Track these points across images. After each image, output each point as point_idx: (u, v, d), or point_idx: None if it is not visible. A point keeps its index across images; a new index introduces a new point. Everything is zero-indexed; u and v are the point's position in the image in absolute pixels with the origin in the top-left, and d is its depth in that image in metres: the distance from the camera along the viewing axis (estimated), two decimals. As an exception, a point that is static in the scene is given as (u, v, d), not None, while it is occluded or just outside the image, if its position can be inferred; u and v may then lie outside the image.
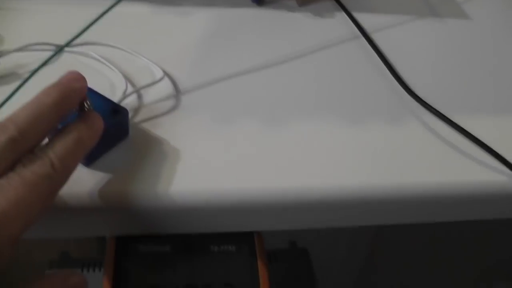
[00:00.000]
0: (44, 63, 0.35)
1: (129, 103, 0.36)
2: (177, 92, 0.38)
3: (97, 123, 0.29)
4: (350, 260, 0.94)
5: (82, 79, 0.29)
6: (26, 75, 0.33)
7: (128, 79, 0.38)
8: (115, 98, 0.35)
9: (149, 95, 0.37)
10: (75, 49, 0.39)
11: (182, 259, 0.34)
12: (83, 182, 0.31)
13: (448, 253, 1.01)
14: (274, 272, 0.51)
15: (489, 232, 0.95)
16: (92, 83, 0.31)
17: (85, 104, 0.30)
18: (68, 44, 0.34)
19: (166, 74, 0.39)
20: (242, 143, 0.35)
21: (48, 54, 0.36)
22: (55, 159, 0.26)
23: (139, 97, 0.37)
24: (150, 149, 0.33)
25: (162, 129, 0.35)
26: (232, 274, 0.34)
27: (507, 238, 0.98)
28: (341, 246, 0.91)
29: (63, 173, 0.27)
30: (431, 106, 0.38)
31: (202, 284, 0.34)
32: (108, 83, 0.37)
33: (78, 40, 0.33)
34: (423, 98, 0.39)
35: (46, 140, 0.27)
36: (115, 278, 0.33)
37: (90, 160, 0.32)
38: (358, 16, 0.46)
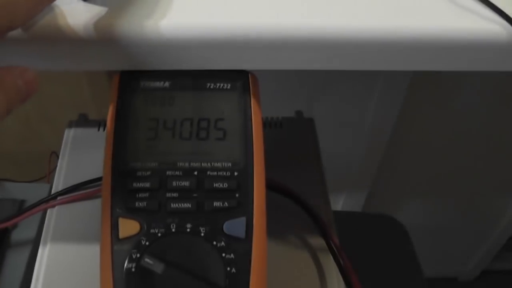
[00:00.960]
0: None
1: None
2: None
3: None
4: (368, 151, 0.96)
5: None
6: None
7: None
8: None
9: None
10: None
11: (180, 95, 0.36)
12: (81, 14, 0.32)
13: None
14: (279, 138, 0.53)
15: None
16: None
17: None
18: None
19: None
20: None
21: None
22: None
23: None
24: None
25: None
26: (226, 109, 0.36)
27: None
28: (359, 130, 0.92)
29: None
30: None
31: (198, 118, 0.36)
32: None
33: None
34: None
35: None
36: (118, 110, 0.35)
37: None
38: None
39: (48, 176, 0.66)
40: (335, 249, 0.43)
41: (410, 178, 1.10)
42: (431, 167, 1.06)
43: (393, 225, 0.86)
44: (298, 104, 0.66)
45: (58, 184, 0.47)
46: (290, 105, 0.56)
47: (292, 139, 0.52)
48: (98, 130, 0.52)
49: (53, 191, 0.47)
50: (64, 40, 0.33)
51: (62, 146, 0.51)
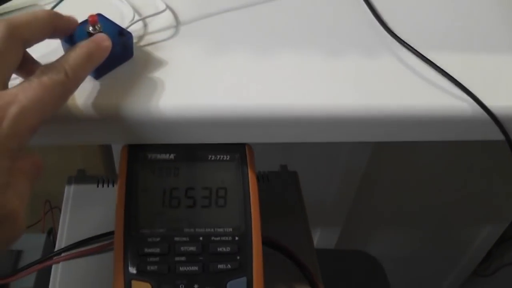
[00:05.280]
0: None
1: (135, 30, 0.41)
2: (178, 22, 0.43)
3: (105, 42, 0.35)
4: (341, 190, 1.01)
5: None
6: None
7: (135, 10, 0.43)
8: (123, 25, 0.40)
9: (153, 25, 0.42)
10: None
11: (184, 166, 0.40)
12: (93, 92, 0.36)
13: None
14: (264, 192, 0.57)
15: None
16: (104, 12, 0.37)
17: (96, 27, 0.35)
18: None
19: (168, 7, 0.43)
20: (235, 67, 0.40)
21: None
22: (69, 69, 0.31)
23: (145, 25, 0.42)
24: (152, 68, 0.38)
25: (163, 52, 0.40)
26: (226, 179, 0.40)
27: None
28: (333, 174, 0.97)
29: (74, 81, 0.32)
30: (404, 42, 0.43)
31: (201, 187, 0.40)
32: (118, 13, 0.42)
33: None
34: (398, 34, 0.43)
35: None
36: (128, 180, 0.39)
37: (99, 74, 0.37)
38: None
39: (43, 225, 0.68)
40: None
41: (380, 213, 1.15)
42: (400, 204, 1.12)
43: (368, 260, 0.91)
44: (278, 156, 0.70)
45: (62, 240, 0.50)
46: (271, 158, 0.60)
47: (279, 192, 0.56)
48: (97, 186, 0.55)
49: (56, 247, 0.50)
50: (76, 118, 0.36)
51: (63, 202, 0.54)
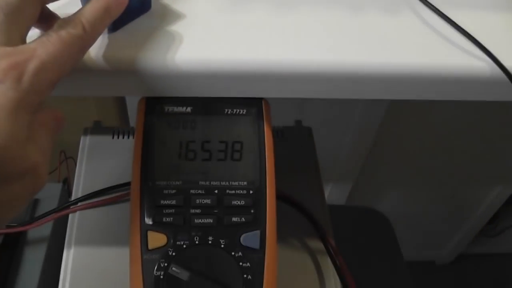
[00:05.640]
0: None
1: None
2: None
3: None
4: (354, 148, 1.01)
5: None
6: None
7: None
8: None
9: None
10: None
11: (201, 119, 0.40)
12: (109, 45, 0.36)
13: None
14: (279, 147, 0.57)
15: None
16: None
17: None
18: None
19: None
20: (254, 21, 0.39)
21: None
22: (86, 23, 0.31)
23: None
24: (170, 22, 0.38)
25: (182, 5, 0.39)
26: (242, 133, 0.40)
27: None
28: (347, 131, 0.97)
29: (92, 35, 0.32)
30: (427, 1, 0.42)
31: (217, 141, 0.40)
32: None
33: None
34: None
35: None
36: (145, 133, 0.39)
37: (115, 26, 0.36)
38: None
39: (58, 174, 0.69)
40: (332, 251, 0.48)
41: (392, 170, 1.16)
42: (412, 161, 1.12)
43: (376, 216, 0.92)
44: (293, 111, 0.70)
45: (78, 190, 0.51)
46: (286, 113, 0.60)
47: (293, 148, 0.56)
48: (113, 137, 0.55)
49: (73, 197, 0.51)
50: (92, 71, 0.36)
51: (79, 153, 0.54)
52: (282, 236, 0.47)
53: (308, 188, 0.53)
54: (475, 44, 0.39)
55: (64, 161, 0.71)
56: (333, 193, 1.14)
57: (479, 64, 0.39)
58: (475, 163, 1.15)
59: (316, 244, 0.49)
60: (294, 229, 0.50)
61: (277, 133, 0.57)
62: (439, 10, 0.41)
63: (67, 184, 0.70)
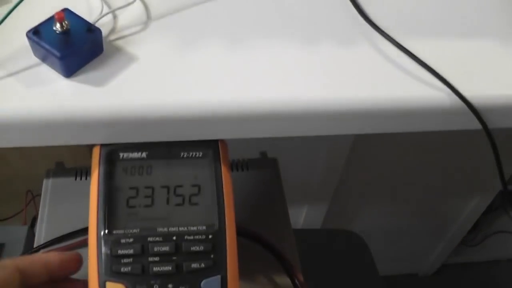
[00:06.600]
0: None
1: (105, 23, 0.40)
2: (148, 14, 0.42)
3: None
4: (323, 176, 1.01)
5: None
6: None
7: (104, 1, 0.41)
8: (92, 18, 0.39)
9: (124, 18, 0.41)
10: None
11: (157, 164, 0.40)
12: (64, 93, 0.36)
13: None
14: (244, 180, 0.57)
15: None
16: (72, 5, 0.36)
17: (63, 24, 0.35)
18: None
19: (138, -2, 0.42)
20: (207, 61, 0.39)
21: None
22: None
23: (114, 18, 0.41)
24: (122, 65, 0.38)
25: (134, 47, 0.39)
26: (199, 176, 0.40)
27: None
28: (315, 160, 0.98)
29: None
30: (382, 30, 0.42)
31: (174, 185, 0.39)
32: (86, 4, 0.41)
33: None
34: (376, 23, 0.42)
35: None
36: (100, 181, 0.39)
37: (69, 71, 0.36)
38: None
39: (24, 216, 0.68)
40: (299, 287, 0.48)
41: (368, 190, 1.16)
42: (387, 180, 1.13)
43: (352, 238, 0.92)
44: (258, 141, 0.70)
45: (41, 235, 0.50)
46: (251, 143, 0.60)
47: (258, 180, 0.56)
48: (75, 179, 0.54)
49: (36, 243, 0.50)
50: (46, 121, 0.36)
51: (42, 196, 0.53)
52: (247, 273, 0.46)
53: (275, 221, 0.53)
54: (433, 75, 0.39)
55: (32, 200, 0.70)
56: (309, 216, 1.14)
57: (438, 94, 0.39)
58: (451, 178, 1.16)
59: (283, 280, 0.49)
60: (261, 265, 0.49)
61: (241, 166, 0.57)
62: (395, 41, 0.41)
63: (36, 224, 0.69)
